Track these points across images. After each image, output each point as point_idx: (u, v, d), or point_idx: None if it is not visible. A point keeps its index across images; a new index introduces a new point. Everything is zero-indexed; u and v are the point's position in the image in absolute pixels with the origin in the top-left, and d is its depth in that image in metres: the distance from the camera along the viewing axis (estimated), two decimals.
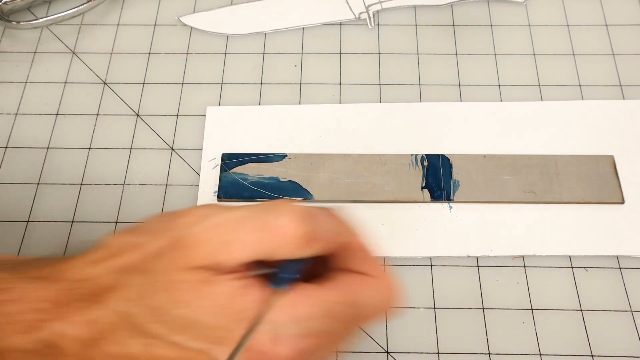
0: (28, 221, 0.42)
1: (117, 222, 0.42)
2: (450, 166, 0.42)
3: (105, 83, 0.48)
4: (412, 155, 0.43)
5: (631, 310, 0.38)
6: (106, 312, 0.25)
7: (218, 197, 0.42)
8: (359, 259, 0.27)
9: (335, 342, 0.27)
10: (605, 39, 0.49)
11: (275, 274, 0.26)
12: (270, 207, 0.26)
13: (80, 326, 0.25)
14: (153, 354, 0.25)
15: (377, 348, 0.37)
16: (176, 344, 0.25)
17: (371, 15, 0.51)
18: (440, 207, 0.41)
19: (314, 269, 0.28)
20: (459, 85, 0.47)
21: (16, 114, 0.46)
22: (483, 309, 0.39)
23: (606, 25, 0.50)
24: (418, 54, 0.49)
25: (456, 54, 0.49)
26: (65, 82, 0.48)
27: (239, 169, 0.43)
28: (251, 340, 0.24)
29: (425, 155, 0.43)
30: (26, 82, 0.48)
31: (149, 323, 0.25)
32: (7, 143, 0.45)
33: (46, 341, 0.25)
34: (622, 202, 0.41)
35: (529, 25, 0.50)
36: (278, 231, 0.25)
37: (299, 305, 0.25)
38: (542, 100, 0.46)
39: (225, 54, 0.49)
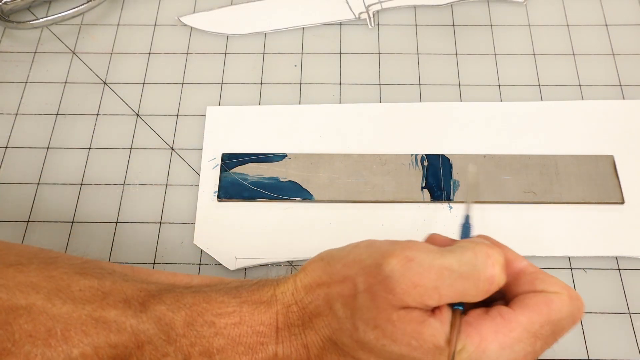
0: (28, 221, 0.42)
1: (117, 222, 0.42)
2: (450, 166, 0.42)
3: (105, 83, 0.48)
4: (412, 155, 0.43)
5: (629, 313, 0.38)
6: (316, 337, 0.28)
7: (218, 197, 0.42)
8: (543, 280, 0.28)
9: (535, 357, 0.28)
10: (605, 39, 0.49)
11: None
12: (476, 256, 0.26)
13: (297, 349, 0.28)
14: None
15: None
16: None
17: (371, 15, 0.51)
18: (440, 207, 0.41)
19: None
20: (459, 85, 0.47)
21: (16, 114, 0.46)
22: None
23: (606, 25, 0.50)
24: (418, 54, 0.49)
25: (456, 54, 0.49)
26: (65, 82, 0.48)
27: (239, 169, 0.43)
28: None
29: (425, 155, 0.43)
30: (26, 82, 0.48)
31: (358, 351, 0.27)
32: (7, 143, 0.45)
33: None
34: (622, 202, 0.41)
35: (529, 25, 0.50)
36: (488, 282, 0.26)
37: (506, 332, 0.26)
38: (542, 100, 0.46)
39: (225, 54, 0.49)
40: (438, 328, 0.26)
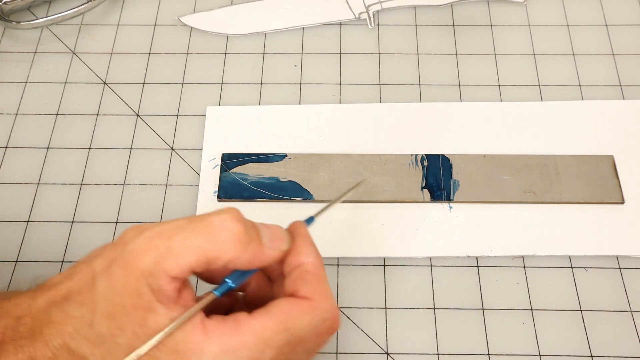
0: (28, 221, 0.42)
1: (117, 222, 0.42)
2: (450, 166, 0.42)
3: (105, 83, 0.48)
4: (412, 155, 0.43)
5: (631, 311, 0.38)
6: (44, 349, 0.26)
7: (218, 197, 0.42)
8: (307, 281, 0.27)
9: None
10: (605, 39, 0.49)
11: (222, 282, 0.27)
12: (208, 213, 0.26)
13: None
14: None
15: (377, 349, 0.37)
16: None
17: (371, 15, 0.51)
18: (440, 207, 0.41)
19: (261, 296, 0.29)
20: (459, 85, 0.47)
21: (16, 114, 0.46)
22: (483, 309, 0.39)
23: (606, 25, 0.50)
24: (418, 54, 0.49)
25: (456, 54, 0.49)
26: (65, 82, 0.48)
27: (239, 169, 0.43)
28: None
29: (425, 155, 0.43)
30: (26, 82, 0.48)
31: (91, 356, 0.25)
32: (7, 143, 0.45)
33: None
34: (622, 202, 0.41)
35: (529, 25, 0.50)
36: (220, 229, 0.25)
37: (233, 335, 0.25)
38: (542, 100, 0.46)
39: (225, 54, 0.49)
40: (163, 315, 0.25)
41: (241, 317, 0.26)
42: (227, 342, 0.25)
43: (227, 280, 0.27)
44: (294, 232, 0.30)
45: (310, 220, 0.31)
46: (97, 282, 0.25)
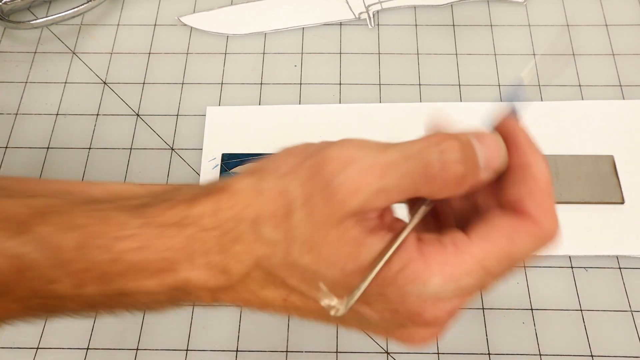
0: None
1: None
2: None
3: (105, 83, 0.48)
4: None
5: (631, 310, 0.38)
6: (239, 265, 0.24)
7: None
8: (535, 195, 0.24)
9: (482, 290, 0.25)
10: (605, 39, 0.49)
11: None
12: (425, 145, 0.23)
13: (214, 275, 0.24)
14: (288, 303, 0.24)
15: (377, 348, 0.37)
16: (315, 298, 0.23)
17: (371, 15, 0.51)
18: None
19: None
20: (459, 85, 0.47)
21: (16, 114, 0.46)
22: (483, 309, 0.39)
23: (606, 25, 0.50)
24: (418, 54, 0.49)
25: (456, 54, 0.49)
26: (65, 82, 0.48)
27: (239, 169, 0.43)
28: (405, 304, 0.23)
29: None
30: (26, 82, 0.48)
31: (289, 278, 0.24)
32: (7, 143, 0.45)
33: (176, 286, 0.24)
34: (622, 202, 0.41)
35: (529, 25, 0.50)
36: (440, 170, 0.23)
37: (455, 264, 0.23)
38: (542, 100, 0.46)
39: (225, 54, 0.49)
40: (376, 249, 0.23)
41: (460, 240, 0.23)
42: (449, 271, 0.23)
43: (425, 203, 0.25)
44: (507, 131, 0.26)
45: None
46: (295, 212, 0.23)
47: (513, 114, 0.26)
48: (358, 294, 0.22)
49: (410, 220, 0.24)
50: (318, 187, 0.23)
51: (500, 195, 0.25)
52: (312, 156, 0.24)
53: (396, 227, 0.24)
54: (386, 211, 0.24)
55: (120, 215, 0.25)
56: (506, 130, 0.26)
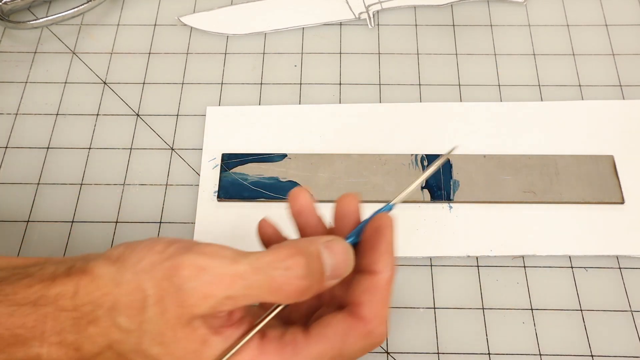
0: (28, 221, 0.42)
1: (117, 222, 0.42)
2: (450, 166, 0.42)
3: (105, 83, 0.48)
4: (412, 155, 0.43)
5: (631, 310, 0.38)
6: (92, 345, 0.26)
7: (218, 197, 0.42)
8: (373, 301, 0.27)
9: None
10: (605, 39, 0.49)
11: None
12: (274, 261, 0.25)
13: (66, 352, 0.26)
14: None
15: (377, 348, 0.37)
16: None
17: (371, 15, 0.51)
18: (440, 207, 0.41)
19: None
20: (459, 85, 0.47)
21: (16, 114, 0.46)
22: (483, 309, 0.39)
23: (606, 25, 0.50)
24: (418, 54, 0.49)
25: (456, 54, 0.49)
26: (65, 82, 0.48)
27: (239, 169, 0.43)
28: None
29: (425, 155, 0.43)
30: (26, 82, 0.48)
31: None
32: (7, 143, 0.45)
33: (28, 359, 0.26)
34: (622, 202, 0.41)
35: (529, 25, 0.50)
36: (284, 285, 0.25)
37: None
38: (542, 100, 0.46)
39: (225, 54, 0.49)
40: (219, 348, 0.25)
41: (299, 340, 0.26)
42: None
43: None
44: (377, 230, 0.28)
45: (388, 208, 0.30)
46: (149, 308, 0.25)
47: (387, 211, 0.29)
48: None
49: (259, 320, 0.27)
50: (172, 289, 0.25)
51: (343, 290, 0.28)
52: (170, 258, 0.26)
53: (245, 322, 0.27)
54: (236, 309, 0.26)
55: None
56: (375, 226, 0.29)
